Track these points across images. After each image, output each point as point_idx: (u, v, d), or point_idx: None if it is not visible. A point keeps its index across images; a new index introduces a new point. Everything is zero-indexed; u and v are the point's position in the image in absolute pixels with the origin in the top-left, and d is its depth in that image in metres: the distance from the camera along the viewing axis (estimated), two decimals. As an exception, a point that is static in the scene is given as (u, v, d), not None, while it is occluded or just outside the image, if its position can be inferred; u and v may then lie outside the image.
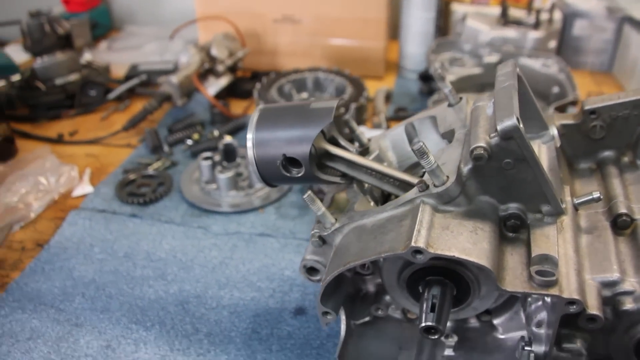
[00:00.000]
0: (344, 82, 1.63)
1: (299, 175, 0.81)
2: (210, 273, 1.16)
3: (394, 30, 2.06)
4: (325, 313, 0.78)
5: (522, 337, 0.76)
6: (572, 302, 0.65)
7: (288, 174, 0.81)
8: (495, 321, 0.86)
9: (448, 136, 0.84)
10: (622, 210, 0.78)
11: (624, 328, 0.72)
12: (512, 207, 0.73)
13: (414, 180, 0.84)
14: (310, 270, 0.87)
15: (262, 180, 0.84)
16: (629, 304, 0.70)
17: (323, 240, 0.81)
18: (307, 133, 0.78)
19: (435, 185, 0.71)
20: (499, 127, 0.66)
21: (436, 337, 0.71)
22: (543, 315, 0.74)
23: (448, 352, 0.87)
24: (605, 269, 0.72)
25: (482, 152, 0.67)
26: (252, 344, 1.00)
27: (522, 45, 1.82)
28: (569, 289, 0.66)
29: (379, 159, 0.93)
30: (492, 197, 0.73)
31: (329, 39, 1.95)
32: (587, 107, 0.84)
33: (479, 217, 0.71)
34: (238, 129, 1.64)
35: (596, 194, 0.76)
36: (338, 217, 0.80)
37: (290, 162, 0.81)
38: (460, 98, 0.88)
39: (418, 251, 0.65)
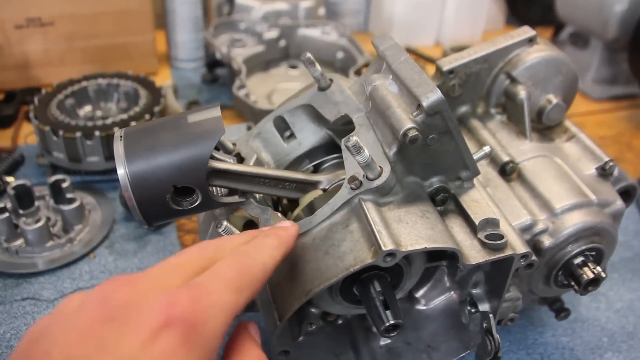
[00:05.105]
0: (133, 84, 1.42)
1: (193, 205, 0.68)
2: (66, 351, 0.91)
3: (159, 19, 1.88)
4: (284, 352, 0.67)
5: (464, 302, 0.76)
6: (524, 255, 0.67)
7: (179, 208, 0.67)
8: (417, 294, 0.85)
9: (339, 122, 0.78)
10: (506, 158, 0.83)
11: (544, 262, 0.78)
12: (435, 181, 0.72)
13: (312, 178, 0.78)
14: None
15: (146, 222, 0.68)
16: (547, 241, 0.76)
17: (244, 272, 0.69)
18: (199, 153, 0.65)
19: (369, 179, 0.65)
20: (424, 104, 0.63)
21: (396, 333, 0.67)
22: (479, 275, 0.76)
23: (384, 340, 0.84)
24: (518, 215, 0.77)
25: (416, 133, 0.63)
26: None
27: (295, 16, 1.83)
28: (516, 244, 0.67)
29: (259, 163, 0.83)
30: (416, 176, 0.70)
31: (89, 40, 1.68)
32: (446, 68, 0.87)
33: (417, 200, 0.68)
34: (17, 165, 1.32)
35: (487, 149, 0.78)
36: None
37: (182, 192, 0.67)
38: (331, 80, 0.82)
39: (390, 254, 0.59)
